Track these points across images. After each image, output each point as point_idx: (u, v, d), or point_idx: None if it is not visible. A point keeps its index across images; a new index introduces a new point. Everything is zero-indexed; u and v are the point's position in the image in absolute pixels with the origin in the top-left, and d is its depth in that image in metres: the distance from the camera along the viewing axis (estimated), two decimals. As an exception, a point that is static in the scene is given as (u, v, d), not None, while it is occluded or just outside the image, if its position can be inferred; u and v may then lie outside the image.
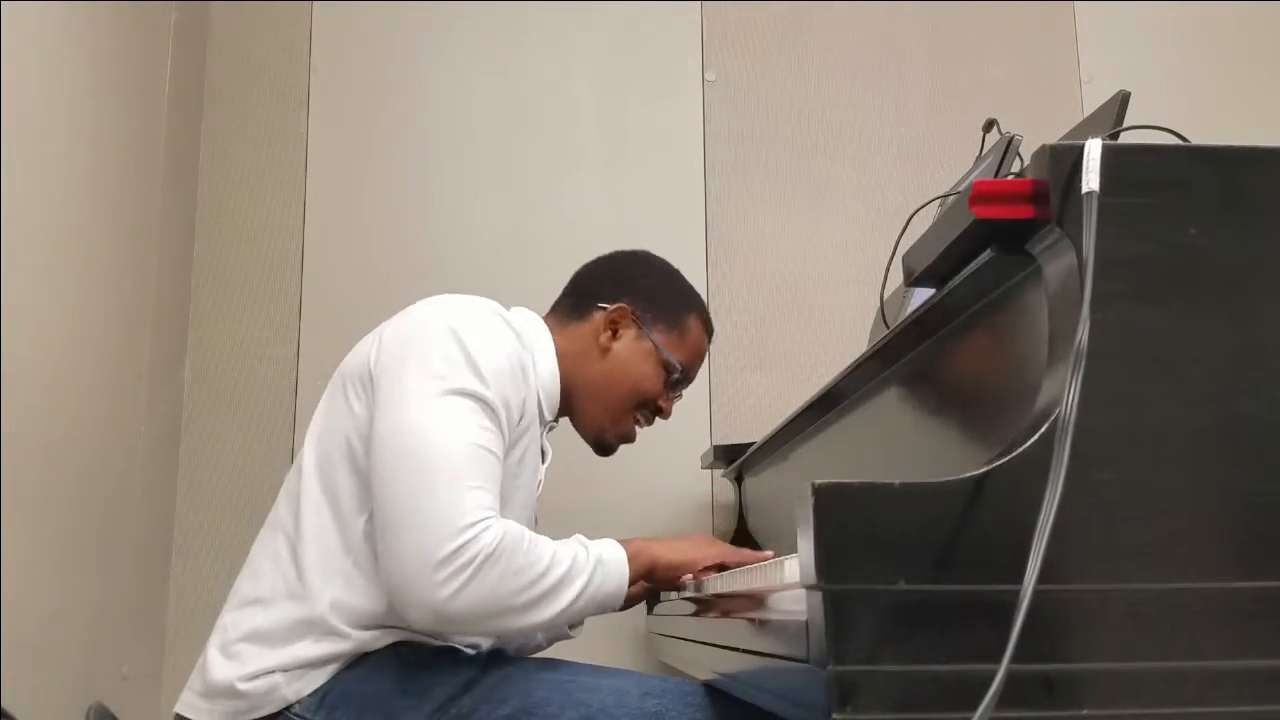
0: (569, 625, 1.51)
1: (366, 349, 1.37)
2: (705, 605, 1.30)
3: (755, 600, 1.05)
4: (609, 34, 2.43)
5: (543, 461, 1.51)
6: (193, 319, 2.24)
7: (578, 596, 1.25)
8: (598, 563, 1.28)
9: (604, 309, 1.53)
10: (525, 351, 1.39)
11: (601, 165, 2.38)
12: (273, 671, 1.27)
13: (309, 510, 1.32)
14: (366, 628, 1.29)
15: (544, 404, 1.46)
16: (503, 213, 2.35)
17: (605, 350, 1.52)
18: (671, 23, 2.43)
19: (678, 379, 1.56)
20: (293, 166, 2.33)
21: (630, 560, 1.31)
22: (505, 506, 1.31)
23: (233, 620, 1.32)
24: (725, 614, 1.15)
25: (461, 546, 1.17)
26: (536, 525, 1.45)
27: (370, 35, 2.40)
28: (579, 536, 1.31)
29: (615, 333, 1.53)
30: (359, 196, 2.33)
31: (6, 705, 1.34)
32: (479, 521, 1.19)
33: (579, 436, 1.57)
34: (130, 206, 1.93)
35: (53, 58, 1.62)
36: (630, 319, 1.53)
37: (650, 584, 1.42)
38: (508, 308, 1.47)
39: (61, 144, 1.65)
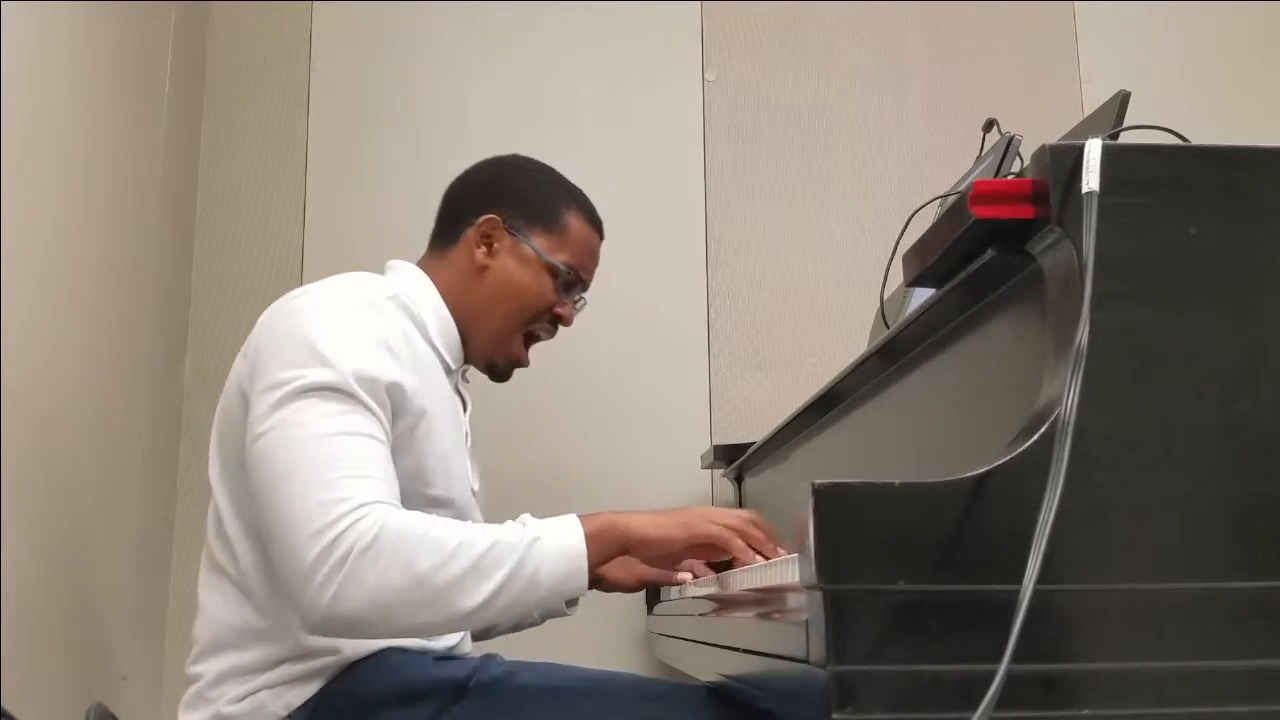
0: (533, 614, 1.41)
1: (236, 375, 1.31)
2: (705, 605, 1.30)
3: (755, 600, 1.05)
4: (609, 34, 2.43)
5: (464, 411, 1.44)
6: (193, 319, 2.24)
7: (500, 588, 1.11)
8: (530, 545, 1.14)
9: (473, 224, 1.44)
10: (397, 314, 1.30)
11: (601, 165, 2.38)
12: (258, 691, 1.25)
13: (240, 547, 1.27)
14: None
15: (444, 353, 1.38)
16: (503, 213, 2.35)
17: (483, 269, 1.43)
18: (671, 23, 2.43)
19: (569, 281, 1.47)
20: (293, 166, 2.33)
21: (592, 538, 1.17)
22: (433, 471, 1.27)
23: (203, 669, 1.28)
24: (725, 614, 1.15)
25: (329, 545, 1.08)
26: (480, 485, 1.42)
27: (370, 35, 2.39)
28: (524, 516, 1.20)
29: (490, 247, 1.43)
30: (359, 196, 2.33)
31: (6, 705, 1.34)
32: (346, 515, 1.09)
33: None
34: (130, 206, 1.93)
35: (53, 58, 1.62)
36: (501, 228, 1.43)
37: (643, 559, 1.32)
38: (383, 270, 1.40)
39: (61, 144, 1.65)
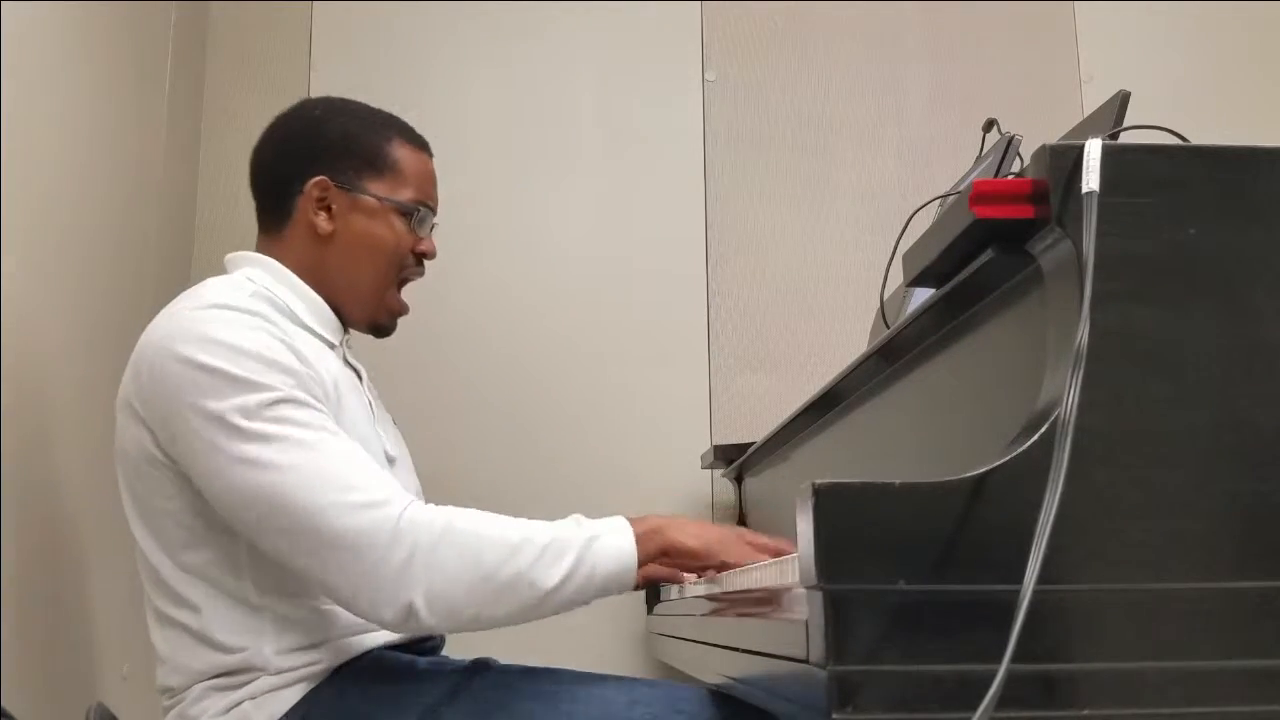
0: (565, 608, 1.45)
1: (122, 421, 1.24)
2: (705, 605, 1.30)
3: (755, 600, 1.05)
4: (609, 34, 2.43)
5: (361, 381, 1.39)
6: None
7: (563, 581, 1.14)
8: (588, 542, 1.17)
9: (302, 192, 1.34)
10: (270, 310, 1.25)
11: (601, 165, 2.38)
12: (240, 703, 1.21)
13: (190, 593, 1.22)
14: (320, 645, 1.24)
15: (322, 332, 1.33)
16: (503, 212, 2.35)
17: (329, 235, 1.33)
18: (671, 23, 2.43)
19: (422, 216, 1.38)
20: (293, 166, 2.33)
21: (640, 540, 1.19)
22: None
23: (178, 704, 1.23)
24: (725, 614, 1.15)
25: (388, 548, 1.10)
26: (401, 450, 1.41)
27: (370, 35, 2.40)
28: (576, 516, 1.22)
29: (329, 211, 1.34)
30: (359, 196, 2.33)
31: (6, 705, 1.34)
32: (396, 516, 1.11)
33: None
34: (130, 206, 1.93)
35: (53, 58, 1.62)
36: (334, 188, 1.34)
37: (678, 566, 1.31)
38: (226, 270, 1.35)
39: (61, 144, 1.65)
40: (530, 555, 1.14)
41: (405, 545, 1.10)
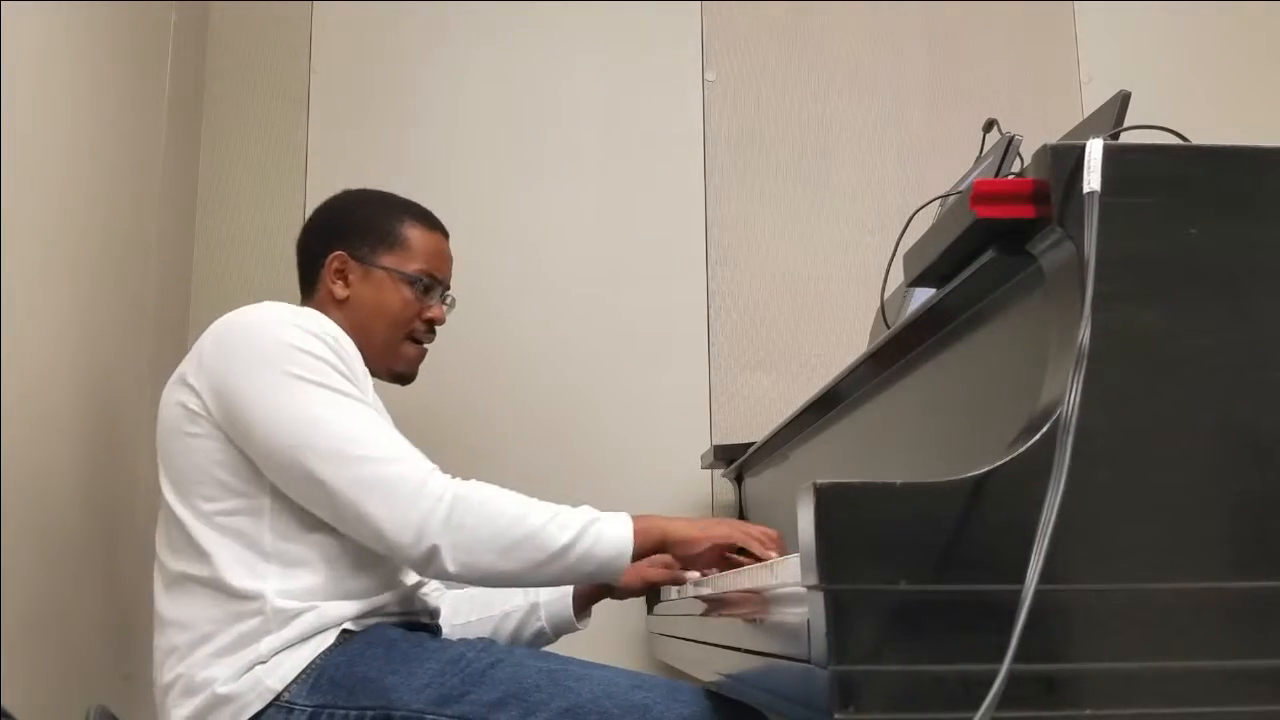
0: (569, 585, 1.55)
1: (169, 393, 1.39)
2: (706, 605, 1.30)
3: (756, 600, 1.05)
4: (609, 34, 2.43)
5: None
6: (193, 320, 2.23)
7: (565, 549, 1.28)
8: (590, 522, 1.30)
9: (325, 266, 1.55)
10: (320, 320, 1.42)
11: (601, 165, 2.38)
12: (251, 667, 1.27)
13: (215, 548, 1.32)
14: (324, 599, 1.31)
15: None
16: (502, 213, 2.35)
17: (344, 300, 1.53)
18: (671, 23, 2.43)
19: (427, 285, 1.56)
20: (293, 166, 2.33)
21: (638, 532, 1.32)
22: None
23: (185, 668, 1.30)
24: (726, 614, 1.15)
25: (436, 498, 1.27)
26: None
27: (370, 35, 2.40)
28: (584, 506, 1.33)
29: (345, 280, 1.54)
30: (359, 196, 2.33)
31: (6, 705, 1.34)
32: (433, 471, 1.29)
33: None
34: (130, 206, 1.93)
35: (53, 58, 1.62)
36: (349, 260, 1.54)
37: (675, 557, 1.43)
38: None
39: (61, 144, 1.65)
40: (540, 520, 1.29)
41: (435, 493, 1.27)
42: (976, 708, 0.67)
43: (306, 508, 1.32)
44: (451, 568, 1.27)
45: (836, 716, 0.71)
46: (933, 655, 0.73)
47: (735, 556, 1.38)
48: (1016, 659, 0.68)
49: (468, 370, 2.27)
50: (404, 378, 1.60)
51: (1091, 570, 0.76)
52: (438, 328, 1.60)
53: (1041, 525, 0.70)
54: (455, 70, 2.40)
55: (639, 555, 1.33)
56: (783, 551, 1.31)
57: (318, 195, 2.30)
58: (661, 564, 1.53)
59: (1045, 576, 0.69)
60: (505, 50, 2.41)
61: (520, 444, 2.23)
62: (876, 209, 2.36)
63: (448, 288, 1.61)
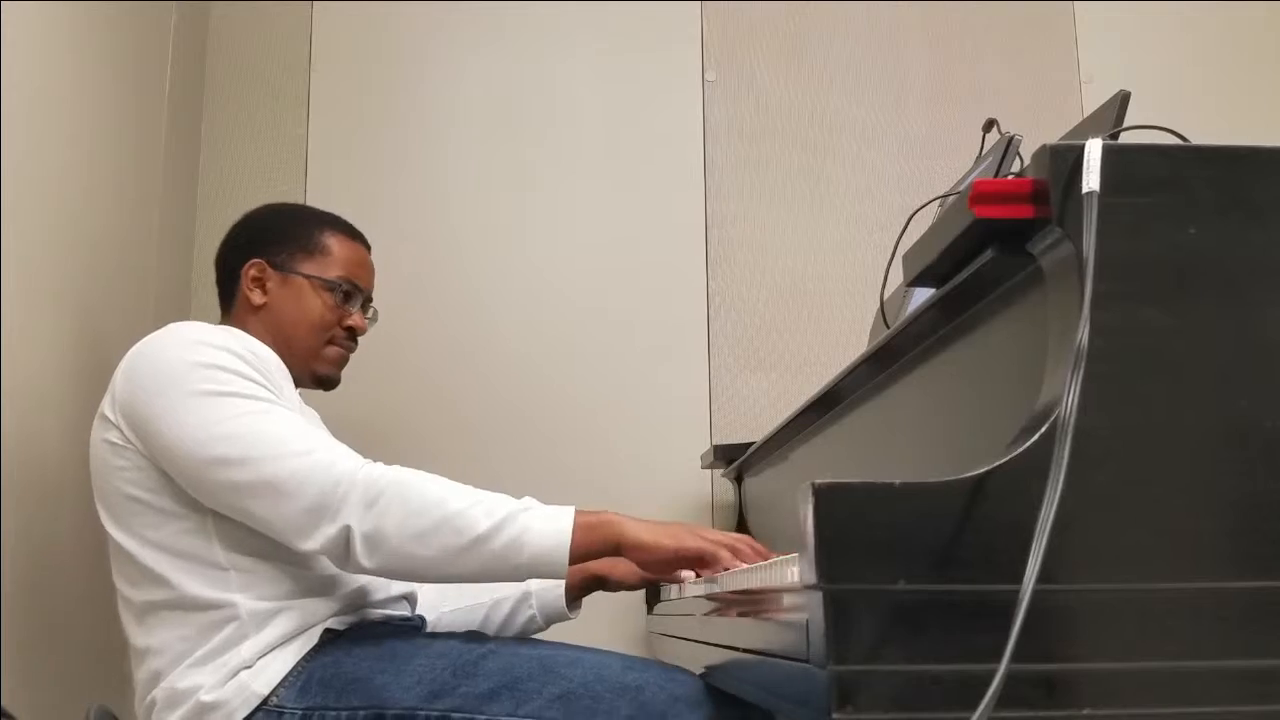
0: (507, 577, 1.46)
1: (95, 431, 1.38)
2: (705, 604, 1.30)
3: (755, 600, 1.05)
4: (609, 34, 2.43)
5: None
6: (192, 319, 2.23)
7: (487, 535, 1.21)
8: (520, 511, 1.23)
9: (242, 276, 1.52)
10: (232, 335, 1.39)
11: (602, 165, 2.38)
12: (236, 672, 1.26)
13: (168, 569, 1.30)
14: (290, 601, 1.30)
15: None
16: (502, 212, 2.35)
17: (260, 307, 1.51)
18: (671, 23, 2.43)
19: (347, 291, 1.54)
20: (293, 166, 2.33)
21: (582, 528, 1.23)
22: None
23: (167, 683, 1.28)
24: (725, 613, 1.15)
25: (343, 495, 1.22)
26: None
27: (370, 35, 2.40)
28: (527, 498, 1.27)
29: (264, 288, 1.52)
30: (359, 196, 2.32)
31: (6, 705, 1.34)
32: (350, 468, 1.23)
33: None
34: (130, 206, 1.93)
35: (53, 58, 1.62)
36: (268, 268, 1.52)
37: (634, 562, 1.34)
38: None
39: (61, 144, 1.65)
40: (462, 504, 1.22)
41: (346, 476, 1.23)
42: (975, 708, 0.67)
43: (237, 519, 1.28)
44: (364, 554, 1.21)
45: (835, 716, 0.71)
46: (931, 655, 0.73)
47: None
48: (1015, 659, 0.68)
49: (466, 370, 2.27)
50: (327, 381, 1.57)
51: (1090, 570, 0.76)
52: (359, 336, 1.58)
53: (1040, 525, 0.70)
54: (455, 70, 2.40)
55: (583, 554, 1.24)
56: (759, 559, 1.25)
57: (317, 195, 2.32)
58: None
59: (1044, 576, 0.69)
60: (505, 50, 2.41)
61: (520, 444, 2.23)
62: (876, 208, 2.36)
63: (369, 298, 1.60)
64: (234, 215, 2.37)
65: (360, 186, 2.34)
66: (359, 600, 1.38)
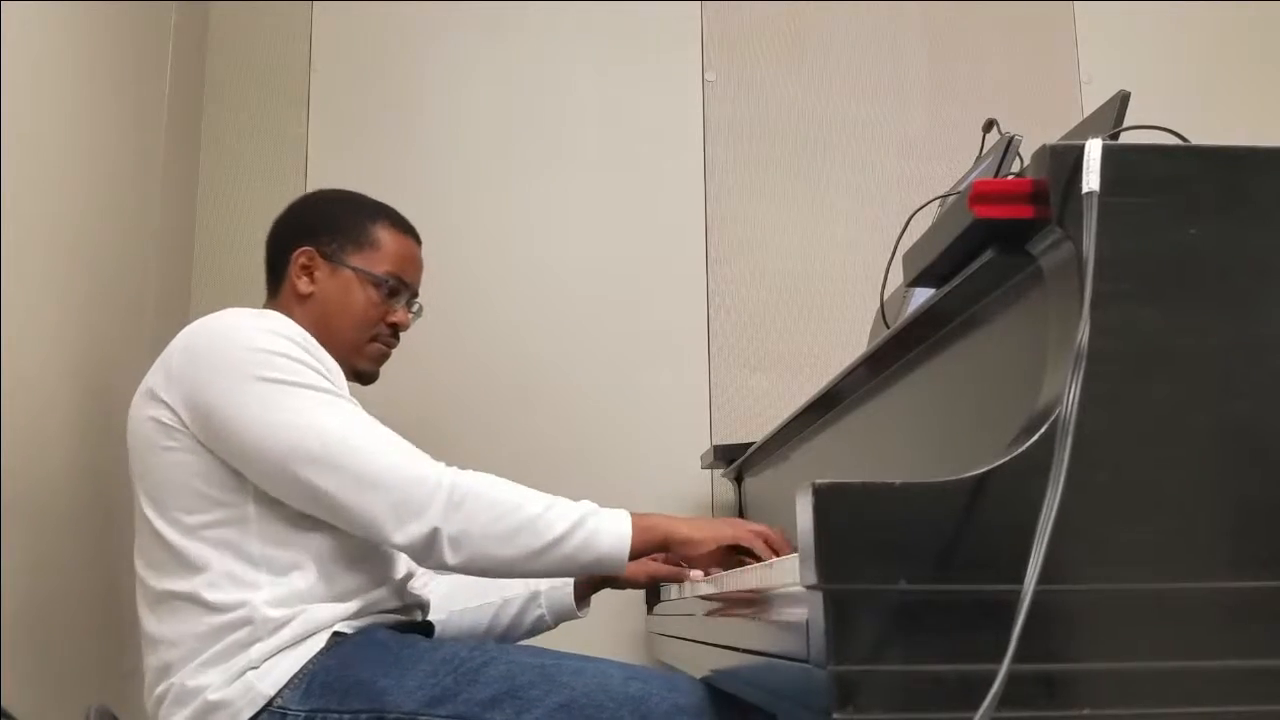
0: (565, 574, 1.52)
1: (139, 408, 1.37)
2: (706, 604, 1.30)
3: (756, 599, 1.05)
4: (609, 34, 2.43)
5: None
6: (193, 319, 2.23)
7: (560, 539, 1.28)
8: (588, 514, 1.31)
9: (292, 261, 1.52)
10: (287, 323, 1.41)
11: (601, 165, 2.38)
12: (243, 672, 1.26)
13: (201, 557, 1.30)
14: (314, 601, 1.31)
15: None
16: (502, 212, 2.35)
17: (308, 296, 1.51)
18: (671, 23, 2.43)
19: (394, 288, 1.54)
20: (293, 166, 2.33)
21: (638, 530, 1.32)
22: None
23: (176, 679, 1.29)
24: (726, 613, 1.15)
25: (432, 491, 1.27)
26: None
27: (370, 35, 2.40)
28: (584, 501, 1.34)
29: (311, 276, 1.52)
30: (359, 196, 2.33)
31: (6, 705, 1.34)
32: (436, 466, 1.29)
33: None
34: (130, 206, 1.93)
35: (53, 58, 1.62)
36: (317, 257, 1.51)
37: (681, 557, 1.44)
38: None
39: (61, 144, 1.65)
40: (539, 508, 1.29)
41: (433, 479, 1.27)
42: (976, 708, 0.67)
43: (307, 512, 1.31)
44: (450, 553, 1.27)
45: (835, 716, 0.71)
46: (932, 655, 0.73)
47: (740, 556, 1.38)
48: (1016, 659, 0.68)
49: (466, 369, 2.27)
50: (366, 376, 1.57)
51: (1091, 570, 0.76)
52: (401, 332, 1.58)
53: (1041, 525, 0.70)
54: (455, 70, 2.40)
55: (639, 553, 1.33)
56: (788, 549, 1.31)
57: (318, 195, 2.32)
58: (665, 558, 1.53)
59: (1044, 576, 0.69)
60: (505, 50, 2.41)
61: (520, 443, 2.23)
62: (876, 208, 2.36)
63: (415, 294, 1.60)
64: (234, 215, 2.38)
65: (360, 186, 2.32)
66: (373, 606, 1.38)
